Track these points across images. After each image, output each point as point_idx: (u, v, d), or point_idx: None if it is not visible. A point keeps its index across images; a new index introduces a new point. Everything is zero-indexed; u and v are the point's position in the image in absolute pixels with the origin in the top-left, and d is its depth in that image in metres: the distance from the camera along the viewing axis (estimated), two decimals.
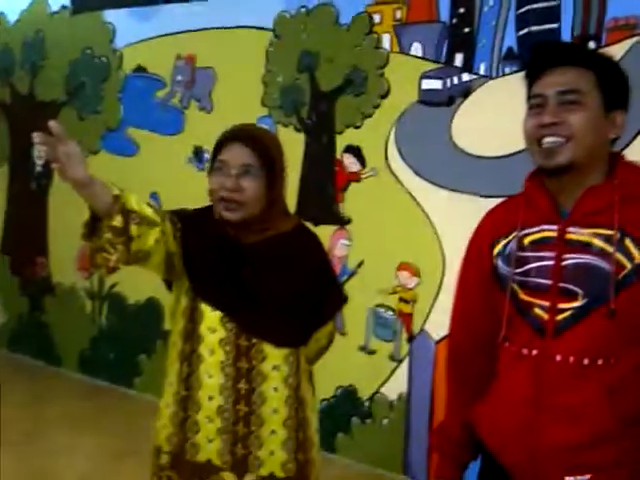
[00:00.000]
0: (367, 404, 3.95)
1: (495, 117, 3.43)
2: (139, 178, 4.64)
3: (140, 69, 4.78)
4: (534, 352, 1.65)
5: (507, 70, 3.44)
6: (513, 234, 1.70)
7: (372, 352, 3.93)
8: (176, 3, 4.54)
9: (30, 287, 5.46)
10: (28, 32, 5.36)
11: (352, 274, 3.97)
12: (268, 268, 2.02)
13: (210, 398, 1.99)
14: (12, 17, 5.47)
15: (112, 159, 4.88)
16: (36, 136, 1.78)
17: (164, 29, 4.61)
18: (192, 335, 2.01)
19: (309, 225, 3.94)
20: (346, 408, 4.02)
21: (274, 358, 2.00)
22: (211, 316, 1.99)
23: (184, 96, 4.57)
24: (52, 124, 1.74)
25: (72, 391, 5.10)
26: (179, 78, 4.58)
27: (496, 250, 1.74)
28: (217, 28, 4.38)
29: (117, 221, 1.83)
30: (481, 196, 3.45)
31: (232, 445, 1.99)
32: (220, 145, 2.00)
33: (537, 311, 1.65)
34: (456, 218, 3.51)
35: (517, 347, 1.69)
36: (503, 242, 1.72)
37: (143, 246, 1.88)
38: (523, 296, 1.67)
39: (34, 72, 5.36)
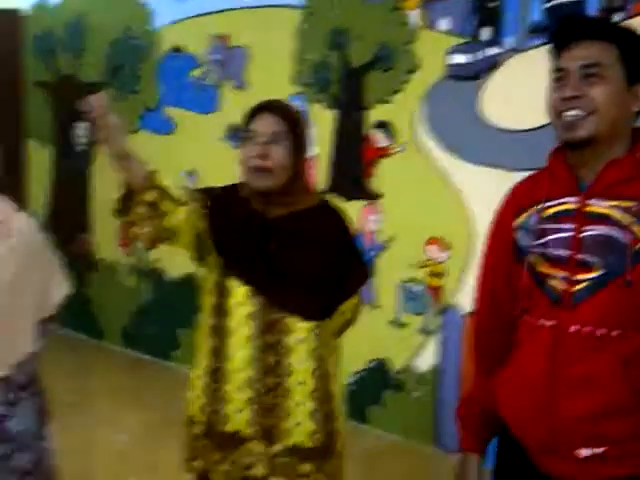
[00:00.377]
0: (398, 376, 4.01)
1: (523, 90, 3.42)
2: (176, 156, 4.76)
3: (176, 49, 4.86)
4: (551, 323, 1.66)
5: (534, 43, 3.43)
6: (535, 207, 1.72)
7: (403, 325, 3.98)
8: None
9: (74, 263, 5.61)
10: (70, 15, 5.48)
11: (382, 249, 4.02)
12: (293, 243, 2.08)
13: (239, 370, 2.04)
14: (54, 1, 5.60)
15: (150, 138, 4.99)
16: (84, 103, 1.88)
17: (199, 9, 4.68)
18: (221, 309, 2.07)
19: (340, 200, 4.05)
20: (377, 380, 4.09)
21: (300, 331, 2.05)
22: (239, 291, 2.05)
23: (219, 75, 4.64)
24: (100, 95, 1.86)
25: (114, 364, 5.26)
26: (213, 57, 4.65)
27: (517, 223, 1.75)
28: (250, 7, 4.43)
29: (150, 196, 1.94)
30: (510, 169, 3.46)
31: (260, 416, 2.04)
32: (249, 117, 2.09)
33: (554, 282, 1.66)
34: (485, 192, 3.52)
35: (535, 319, 1.70)
36: (525, 215, 1.74)
37: (172, 223, 1.99)
38: (541, 267, 1.69)
39: (76, 54, 5.49)
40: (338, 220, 2.20)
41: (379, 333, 4.03)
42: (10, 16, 5.73)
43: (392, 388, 4.05)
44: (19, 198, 6.10)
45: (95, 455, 3.93)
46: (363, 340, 4.09)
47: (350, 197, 4.10)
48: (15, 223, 2.04)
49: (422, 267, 3.89)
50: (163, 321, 5.07)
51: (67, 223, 5.66)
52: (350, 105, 4.06)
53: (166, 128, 4.94)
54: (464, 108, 3.68)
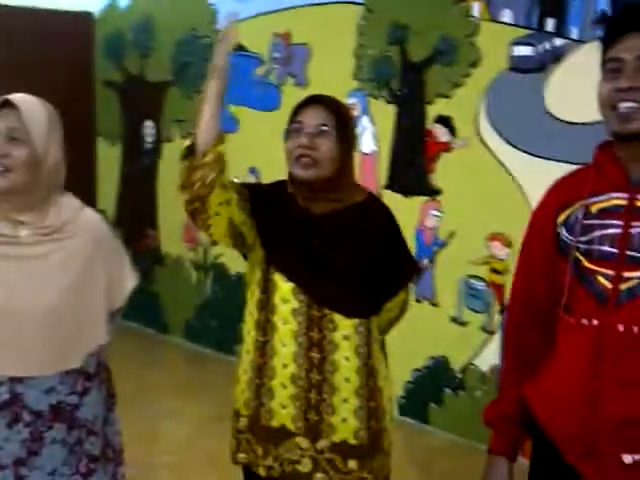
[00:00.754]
0: (459, 375, 3.96)
1: (588, 82, 3.29)
2: (239, 153, 4.78)
3: (240, 48, 4.91)
4: (595, 322, 1.62)
5: (599, 34, 3.34)
6: (579, 203, 1.68)
7: (464, 323, 3.93)
8: None
9: (141, 258, 5.73)
10: (138, 16, 5.59)
11: (443, 245, 3.97)
12: (338, 239, 2.07)
13: (284, 366, 2.05)
14: (123, 3, 5.73)
15: None
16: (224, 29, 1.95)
17: (262, 8, 4.71)
18: (266, 305, 2.07)
19: (400, 196, 4.02)
20: (438, 379, 4.04)
21: (345, 328, 2.04)
22: (284, 287, 2.04)
23: (280, 72, 4.67)
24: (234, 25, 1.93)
25: (178, 358, 5.36)
26: (276, 55, 4.68)
27: (560, 219, 1.71)
28: (311, 5, 4.44)
29: (210, 158, 1.92)
30: (574, 163, 3.33)
31: (305, 411, 2.04)
32: (297, 109, 2.09)
33: (600, 280, 1.62)
34: (548, 187, 3.44)
35: (577, 318, 1.66)
36: (568, 211, 1.70)
37: (214, 199, 1.95)
38: (586, 264, 1.64)
39: (144, 54, 5.60)
40: (384, 216, 2.19)
41: (439, 331, 3.99)
42: (82, 18, 5.89)
43: (452, 387, 3.99)
44: (89, 195, 6.32)
45: (157, 445, 4.01)
46: (423, 337, 4.07)
47: (410, 193, 4.07)
48: (82, 219, 2.09)
49: (483, 264, 3.83)
50: (225, 316, 5.13)
51: (135, 219, 5.78)
52: (411, 100, 4.03)
53: (230, 126, 4.99)
54: (527, 101, 3.61)
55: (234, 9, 4.84)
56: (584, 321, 1.64)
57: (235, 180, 2.10)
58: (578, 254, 1.66)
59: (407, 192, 4.07)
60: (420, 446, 3.97)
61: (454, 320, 3.94)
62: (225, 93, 1.99)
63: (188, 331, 5.47)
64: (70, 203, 2.10)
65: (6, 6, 5.44)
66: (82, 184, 5.81)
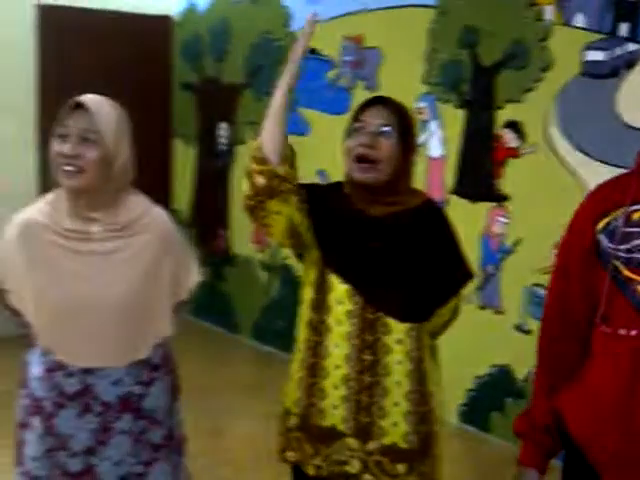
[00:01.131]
0: (522, 384, 3.89)
1: None
2: (309, 156, 4.82)
3: (312, 51, 4.94)
4: (633, 332, 1.59)
5: None
6: (620, 210, 1.65)
7: (528, 332, 3.85)
8: None
9: (212, 258, 5.84)
10: (216, 20, 5.70)
11: (509, 252, 3.92)
12: (395, 243, 2.06)
13: (336, 367, 2.05)
14: (202, 7, 5.85)
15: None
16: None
17: (334, 11, 4.73)
18: (320, 306, 2.08)
19: (467, 201, 3.98)
20: (500, 387, 3.99)
21: (398, 332, 2.04)
22: (339, 288, 2.05)
23: (351, 76, 4.69)
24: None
25: (245, 357, 5.43)
26: (347, 58, 4.70)
27: (600, 226, 1.68)
28: (383, 8, 4.44)
29: (283, 171, 1.94)
30: None
31: (356, 413, 2.04)
32: (360, 109, 2.09)
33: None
34: None
35: (614, 327, 1.62)
36: (607, 218, 1.67)
37: (273, 208, 1.97)
38: (626, 273, 1.61)
39: (220, 57, 5.70)
40: (441, 221, 2.17)
41: (503, 338, 3.93)
42: (162, 21, 6.03)
43: (515, 396, 3.93)
44: (165, 195, 6.46)
45: (221, 441, 4.08)
46: (486, 345, 4.02)
47: (477, 198, 4.03)
48: (150, 216, 2.16)
49: (547, 273, 3.74)
50: (291, 316, 5.15)
51: (208, 220, 5.89)
52: (480, 104, 3.99)
53: (301, 129, 5.04)
54: (599, 107, 3.53)
55: (307, 12, 4.92)
56: (622, 331, 1.61)
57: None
58: (617, 262, 1.63)
59: (474, 197, 4.03)
60: (481, 455, 3.93)
61: (518, 328, 3.87)
62: (293, 93, 2.01)
63: (256, 331, 5.54)
64: (139, 201, 2.16)
65: (90, 9, 5.63)
66: (158, 184, 6.04)
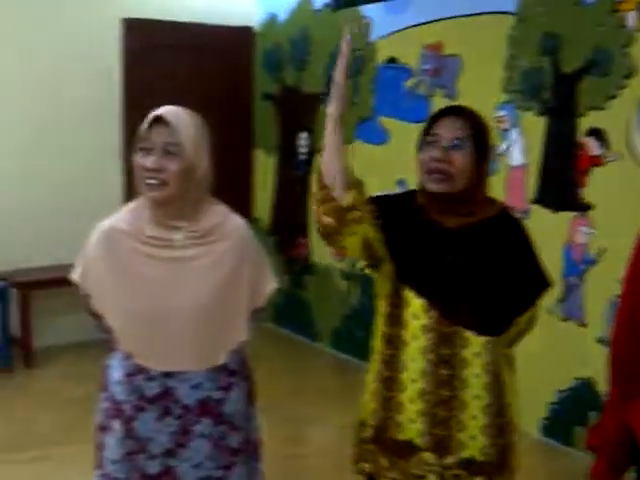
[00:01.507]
0: (605, 398, 3.78)
1: None
2: (388, 165, 4.83)
3: (391, 60, 4.94)
4: None
5: None
6: None
7: None
8: None
9: (293, 266, 5.89)
10: (296, 30, 5.76)
11: (593, 262, 3.82)
12: (471, 255, 2.03)
13: (413, 381, 2.04)
14: (282, 17, 5.92)
15: (365, 147, 5.11)
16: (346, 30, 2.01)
17: (414, 20, 4.72)
18: (396, 320, 2.07)
19: (549, 211, 3.90)
20: (583, 401, 3.89)
21: (476, 345, 2.01)
22: (415, 303, 2.03)
23: (430, 84, 4.66)
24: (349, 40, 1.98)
25: (325, 365, 5.44)
26: (425, 67, 4.67)
27: None
28: (462, 16, 4.40)
29: (348, 202, 1.94)
30: None
31: (433, 427, 2.03)
32: (433, 120, 2.06)
33: None
34: None
35: None
36: None
37: (346, 232, 1.98)
38: None
39: (300, 67, 5.75)
40: (518, 231, 2.13)
41: (586, 351, 3.83)
42: (243, 32, 6.13)
43: (598, 409, 3.82)
44: (246, 204, 6.55)
45: (299, 448, 4.11)
46: (569, 357, 3.93)
47: (560, 208, 3.94)
48: (229, 224, 2.20)
49: None
50: (370, 325, 5.15)
51: (288, 228, 5.94)
52: (562, 112, 3.90)
53: (380, 138, 5.04)
54: None
55: (387, 21, 4.93)
56: None
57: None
58: None
59: (557, 207, 3.95)
60: (562, 468, 3.84)
61: (601, 341, 3.77)
62: (346, 113, 1.98)
63: (336, 339, 5.55)
64: (218, 209, 2.21)
65: (172, 22, 5.78)
66: (240, 193, 6.13)
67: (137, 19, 5.66)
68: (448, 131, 2.00)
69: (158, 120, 2.08)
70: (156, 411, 2.13)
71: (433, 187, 2.01)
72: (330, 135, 1.97)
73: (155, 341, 2.13)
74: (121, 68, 5.68)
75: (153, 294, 2.11)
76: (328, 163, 1.97)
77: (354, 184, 1.98)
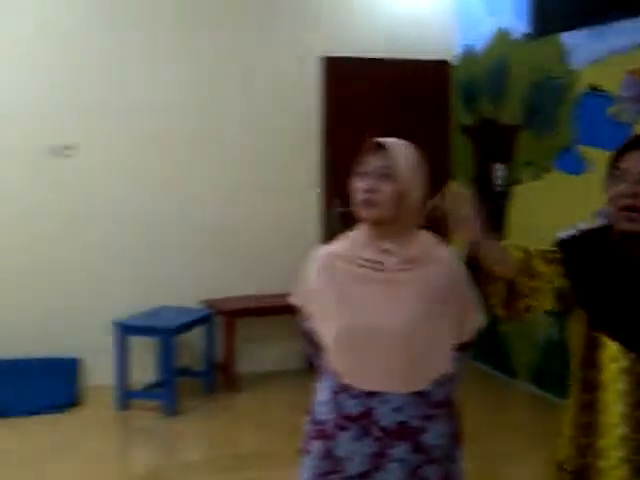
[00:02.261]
0: None
1: None
2: (584, 196, 4.65)
3: (593, 87, 4.77)
4: None
5: None
6: None
7: None
8: (627, 19, 4.44)
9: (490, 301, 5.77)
10: (493, 61, 5.72)
11: None
12: None
13: (613, 426, 1.97)
14: (479, 49, 5.90)
15: (562, 177, 4.96)
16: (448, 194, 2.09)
17: (615, 45, 4.54)
18: (592, 363, 2.01)
19: None
20: None
21: None
22: (611, 346, 1.97)
23: (633, 111, 4.44)
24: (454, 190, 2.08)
25: (523, 401, 5.30)
26: (627, 93, 4.46)
27: None
28: None
29: (523, 285, 2.06)
30: None
31: (635, 475, 1.95)
32: (620, 153, 1.99)
33: None
34: None
35: None
36: None
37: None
38: None
39: (497, 98, 5.70)
40: None
41: None
42: (440, 66, 6.19)
43: None
44: (444, 232, 6.50)
45: None
46: None
47: None
48: (439, 253, 2.24)
49: None
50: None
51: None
52: None
53: (578, 168, 4.87)
54: None
55: (588, 48, 4.77)
56: None
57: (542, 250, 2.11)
58: None
59: None
60: None
61: None
62: (483, 234, 2.08)
63: (534, 376, 5.39)
64: (427, 238, 2.26)
65: (370, 58, 5.95)
66: (437, 224, 6.13)
67: (334, 57, 5.91)
68: (636, 164, 1.92)
69: (376, 147, 2.19)
70: (356, 430, 2.15)
71: (628, 226, 1.94)
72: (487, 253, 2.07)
73: (361, 361, 2.16)
74: (321, 103, 5.94)
75: (367, 312, 2.16)
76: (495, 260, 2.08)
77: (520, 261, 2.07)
